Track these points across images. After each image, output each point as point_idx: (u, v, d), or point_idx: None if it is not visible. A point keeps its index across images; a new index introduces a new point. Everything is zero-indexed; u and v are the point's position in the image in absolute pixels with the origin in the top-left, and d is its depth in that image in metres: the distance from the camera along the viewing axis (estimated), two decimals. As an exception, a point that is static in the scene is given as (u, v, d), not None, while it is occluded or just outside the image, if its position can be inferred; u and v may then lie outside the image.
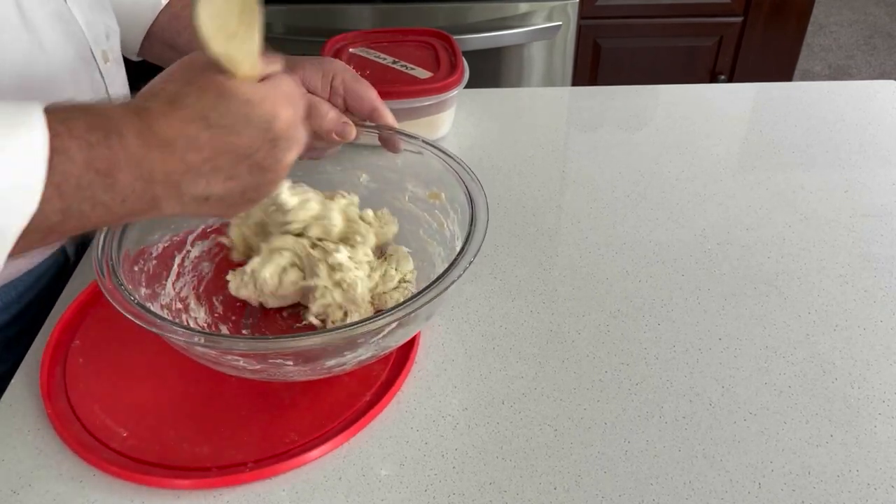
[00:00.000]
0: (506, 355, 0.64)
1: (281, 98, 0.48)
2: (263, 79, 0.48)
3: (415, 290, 0.61)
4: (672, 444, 0.57)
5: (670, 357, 0.64)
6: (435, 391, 0.61)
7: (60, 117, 0.43)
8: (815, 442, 0.57)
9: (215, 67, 0.46)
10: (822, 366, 0.63)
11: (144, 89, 0.47)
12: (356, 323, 0.51)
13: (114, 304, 0.52)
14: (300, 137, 0.50)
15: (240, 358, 0.54)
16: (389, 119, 0.68)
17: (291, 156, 0.50)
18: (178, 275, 0.65)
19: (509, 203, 0.82)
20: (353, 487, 0.54)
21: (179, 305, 0.63)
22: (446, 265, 0.55)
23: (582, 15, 1.72)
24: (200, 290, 0.66)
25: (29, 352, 0.64)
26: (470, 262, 0.55)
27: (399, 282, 0.65)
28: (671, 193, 0.84)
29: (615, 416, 0.59)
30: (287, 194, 0.62)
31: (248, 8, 0.46)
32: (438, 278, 0.54)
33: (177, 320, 0.61)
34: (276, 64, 0.49)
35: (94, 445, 0.56)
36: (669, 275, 0.72)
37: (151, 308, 0.55)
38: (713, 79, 1.87)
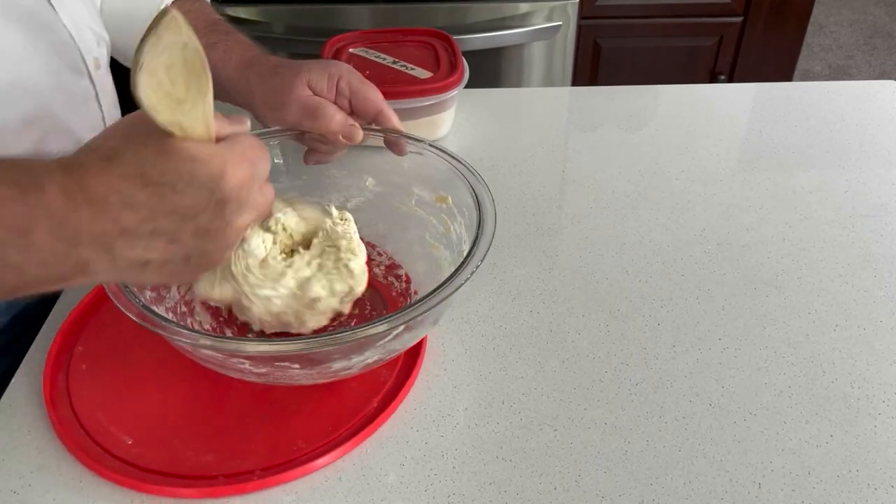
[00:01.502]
0: (506, 355, 0.64)
1: (234, 157, 0.44)
2: (221, 140, 0.45)
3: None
4: (672, 444, 0.57)
5: (670, 357, 0.64)
6: (435, 391, 0.61)
7: None
8: (815, 442, 0.57)
9: (160, 128, 0.43)
10: (822, 366, 0.63)
11: (83, 145, 0.44)
12: (363, 326, 0.51)
13: (119, 306, 0.52)
14: (255, 201, 0.46)
15: (245, 361, 0.54)
16: (395, 122, 0.67)
17: (244, 220, 0.46)
18: None
19: (509, 203, 0.82)
20: (361, 493, 0.54)
21: (184, 309, 0.63)
22: (453, 268, 0.55)
23: (582, 15, 1.72)
24: None
25: (30, 352, 0.64)
26: (478, 266, 0.55)
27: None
28: (671, 193, 0.84)
29: (615, 416, 0.59)
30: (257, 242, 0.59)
31: (194, 72, 0.43)
32: (447, 280, 0.54)
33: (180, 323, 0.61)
34: (240, 124, 0.47)
35: (98, 453, 0.55)
36: (669, 275, 0.73)
37: (157, 311, 0.55)
38: (713, 79, 1.87)
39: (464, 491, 0.54)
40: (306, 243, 0.62)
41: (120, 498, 0.54)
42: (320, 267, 0.59)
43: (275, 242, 0.60)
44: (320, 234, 0.61)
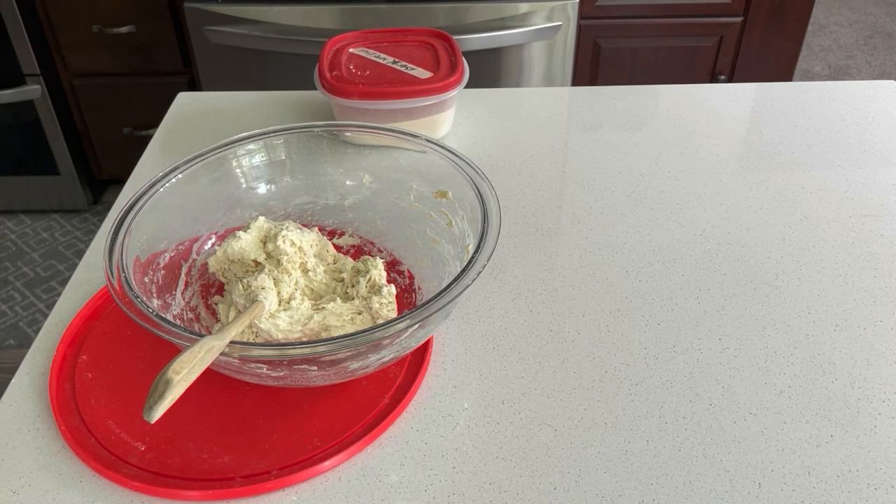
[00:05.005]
0: (506, 355, 0.64)
1: None
2: None
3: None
4: (672, 444, 0.57)
5: (670, 357, 0.64)
6: (435, 391, 0.61)
7: None
8: (815, 442, 0.57)
9: None
10: (822, 366, 0.63)
11: None
12: (382, 326, 0.51)
13: (134, 317, 0.52)
14: None
15: (262, 365, 0.54)
16: None
17: None
18: (186, 284, 0.65)
19: (509, 203, 0.82)
20: (361, 493, 0.54)
21: (190, 315, 0.63)
22: (458, 263, 0.55)
23: (582, 15, 1.72)
24: (210, 299, 0.66)
25: (30, 353, 0.64)
26: (488, 259, 0.55)
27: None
28: (671, 193, 0.84)
29: (615, 416, 0.59)
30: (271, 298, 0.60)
31: None
32: (459, 276, 0.54)
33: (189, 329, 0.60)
34: None
35: (111, 461, 0.55)
36: (669, 275, 0.73)
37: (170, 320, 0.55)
38: (713, 79, 1.87)
39: (464, 491, 0.54)
40: (332, 273, 0.64)
41: (121, 497, 0.54)
42: (351, 321, 0.60)
43: (296, 287, 0.62)
44: (358, 300, 0.61)
